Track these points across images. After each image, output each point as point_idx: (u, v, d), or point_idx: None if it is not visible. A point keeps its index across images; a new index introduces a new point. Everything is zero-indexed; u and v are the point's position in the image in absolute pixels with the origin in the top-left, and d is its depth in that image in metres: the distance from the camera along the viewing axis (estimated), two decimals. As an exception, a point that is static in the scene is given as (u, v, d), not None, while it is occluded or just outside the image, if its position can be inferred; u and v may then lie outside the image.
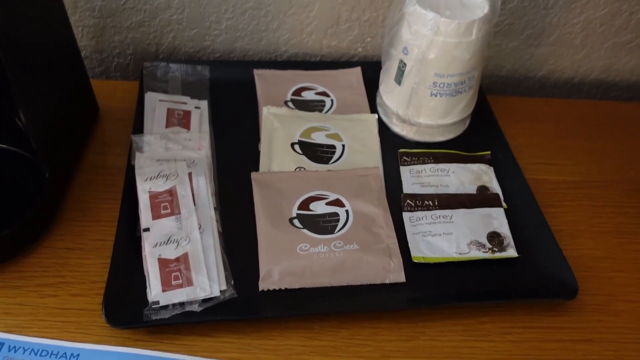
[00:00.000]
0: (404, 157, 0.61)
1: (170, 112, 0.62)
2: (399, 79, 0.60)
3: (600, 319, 0.50)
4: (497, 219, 0.55)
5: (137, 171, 0.55)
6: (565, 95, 0.78)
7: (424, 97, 0.59)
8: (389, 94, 0.63)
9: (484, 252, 0.52)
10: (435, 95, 0.59)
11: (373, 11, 0.69)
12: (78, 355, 0.45)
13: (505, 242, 0.53)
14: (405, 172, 0.60)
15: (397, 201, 0.56)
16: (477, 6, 0.56)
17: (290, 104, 0.65)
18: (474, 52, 0.56)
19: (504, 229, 0.54)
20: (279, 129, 0.61)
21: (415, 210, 0.56)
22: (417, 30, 0.56)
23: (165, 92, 0.65)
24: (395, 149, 0.62)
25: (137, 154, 0.56)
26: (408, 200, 0.56)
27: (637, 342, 0.49)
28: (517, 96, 0.76)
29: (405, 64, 0.59)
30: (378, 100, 0.66)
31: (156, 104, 0.63)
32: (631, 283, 0.53)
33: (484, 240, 0.53)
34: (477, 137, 0.64)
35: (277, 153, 0.59)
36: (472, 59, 0.57)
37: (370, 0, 0.68)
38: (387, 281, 0.50)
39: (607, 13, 0.69)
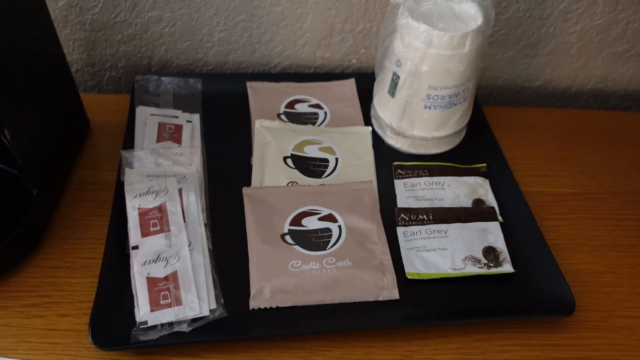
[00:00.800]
0: (399, 170, 0.60)
1: (161, 126, 0.61)
2: (392, 92, 0.59)
3: (599, 336, 0.49)
4: (493, 234, 0.54)
5: (126, 187, 0.54)
6: (562, 105, 0.77)
7: (418, 110, 0.59)
8: (383, 106, 0.62)
9: (479, 267, 0.51)
10: (429, 108, 0.58)
11: (367, 22, 0.68)
12: (64, 378, 0.44)
13: (501, 257, 0.52)
14: (400, 185, 0.59)
15: (391, 215, 0.55)
16: (470, 18, 0.55)
17: (283, 116, 0.64)
18: (468, 64, 0.55)
19: (499, 243, 0.53)
20: (271, 143, 0.60)
21: (409, 225, 0.55)
22: (410, 43, 0.55)
23: (156, 105, 0.64)
24: (389, 161, 0.61)
25: (127, 170, 0.55)
26: (402, 215, 0.55)
27: (637, 359, 0.47)
28: (513, 107, 0.75)
29: (398, 77, 0.58)
30: (372, 112, 0.65)
31: (147, 118, 0.62)
32: (630, 298, 0.51)
33: (480, 256, 0.52)
34: (473, 149, 0.63)
35: (270, 167, 0.59)
36: (466, 71, 0.56)
37: (364, 11, 0.67)
38: (380, 298, 0.49)
39: (604, 22, 0.69)
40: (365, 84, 0.67)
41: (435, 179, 0.59)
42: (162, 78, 0.66)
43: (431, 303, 0.49)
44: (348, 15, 0.68)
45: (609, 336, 0.49)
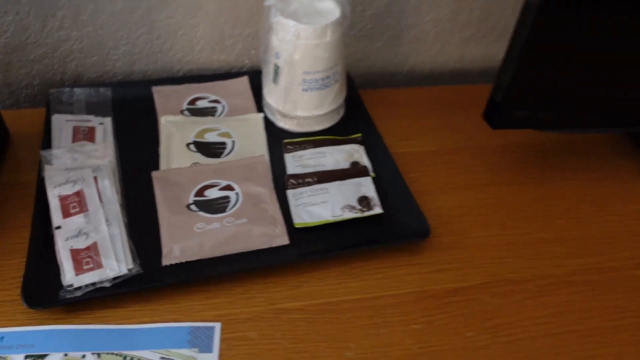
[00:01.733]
0: (288, 146, 0.71)
1: (76, 129, 0.69)
2: (275, 80, 0.70)
3: (451, 253, 0.60)
4: (366, 186, 0.65)
5: (47, 181, 0.62)
6: (430, 84, 0.90)
7: (298, 93, 0.70)
8: (270, 94, 0.73)
9: (355, 212, 0.62)
10: (307, 90, 0.69)
11: (252, 26, 0.79)
12: (2, 337, 0.51)
13: (372, 203, 0.63)
14: (289, 158, 0.69)
15: (283, 182, 0.66)
16: (330, 13, 0.67)
17: (186, 112, 0.74)
18: (332, 51, 0.67)
19: (371, 193, 0.64)
20: (175, 134, 0.70)
21: (297, 187, 0.65)
22: (283, 37, 0.66)
23: (71, 113, 0.72)
24: (281, 140, 0.71)
25: (46, 167, 0.63)
26: (291, 180, 0.66)
27: (480, 266, 0.59)
28: (388, 88, 0.87)
29: (278, 67, 0.69)
30: (263, 101, 0.75)
31: (63, 124, 0.70)
32: (476, 223, 0.64)
33: (355, 204, 0.63)
34: (351, 125, 0.74)
35: (175, 153, 0.68)
36: (331, 57, 0.67)
37: (248, 17, 0.78)
38: (273, 245, 0.59)
39: (451, 12, 0.82)
40: (259, 80, 0.77)
41: (319, 149, 0.70)
42: (75, 89, 0.74)
43: (317, 244, 0.59)
44: (235, 22, 0.78)
45: (458, 252, 0.60)
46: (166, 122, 0.71)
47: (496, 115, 0.62)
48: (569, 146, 0.75)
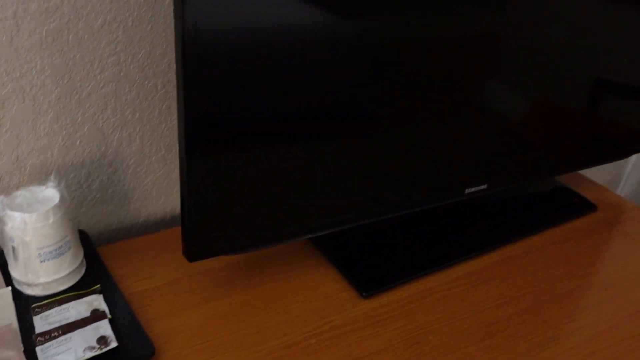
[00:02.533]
0: (36, 309, 0.85)
1: None
2: (16, 258, 0.85)
3: (177, 363, 0.80)
4: (104, 327, 0.82)
5: None
6: (167, 227, 1.11)
7: (36, 265, 0.85)
8: (14, 269, 0.87)
9: (95, 351, 0.78)
10: (44, 261, 0.85)
11: (-8, 215, 0.93)
12: None
13: (109, 340, 0.80)
14: (37, 319, 0.84)
15: (32, 342, 0.79)
16: (50, 199, 0.86)
17: None
18: (58, 228, 0.85)
19: (108, 332, 0.81)
20: None
21: (45, 343, 0.79)
22: (13, 225, 0.83)
23: None
24: (31, 305, 0.85)
25: None
26: (39, 338, 0.80)
27: (196, 367, 0.79)
28: (129, 239, 1.07)
29: (15, 248, 0.84)
30: (11, 277, 0.89)
31: None
32: (196, 335, 0.84)
33: (95, 344, 0.79)
34: (91, 279, 0.91)
35: None
36: (58, 232, 0.85)
37: (-14, 209, 0.93)
38: (23, 398, 0.72)
39: (163, 173, 1.07)
40: (5, 258, 0.91)
41: (63, 306, 0.85)
42: None
43: (62, 386, 0.74)
44: (-24, 214, 0.92)
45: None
46: None
47: (189, 250, 0.85)
48: (268, 256, 1.01)
